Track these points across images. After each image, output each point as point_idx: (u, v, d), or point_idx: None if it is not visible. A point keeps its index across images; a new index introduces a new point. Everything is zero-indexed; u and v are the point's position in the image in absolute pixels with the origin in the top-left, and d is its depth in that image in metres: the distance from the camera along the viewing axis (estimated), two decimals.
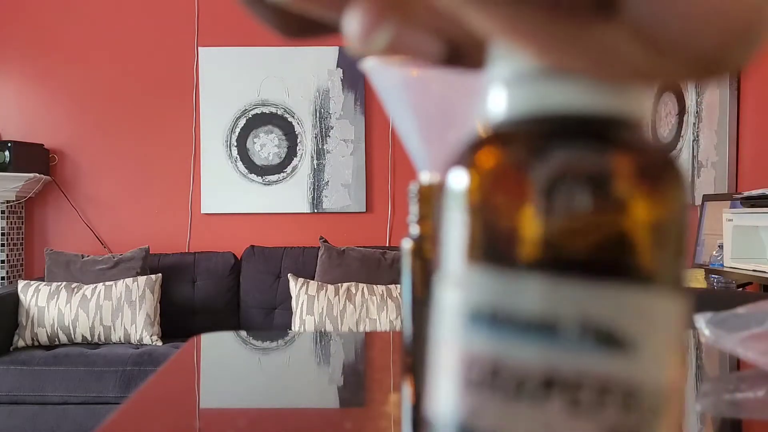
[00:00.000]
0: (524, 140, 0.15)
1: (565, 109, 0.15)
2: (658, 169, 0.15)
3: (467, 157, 0.16)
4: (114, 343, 2.53)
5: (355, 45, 0.15)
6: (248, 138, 3.04)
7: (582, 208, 0.14)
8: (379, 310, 2.53)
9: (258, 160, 3.04)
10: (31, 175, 2.80)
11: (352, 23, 0.15)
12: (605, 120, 0.15)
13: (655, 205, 0.15)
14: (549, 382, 0.14)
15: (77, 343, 2.52)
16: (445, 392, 0.15)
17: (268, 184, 3.04)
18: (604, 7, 0.12)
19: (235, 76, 3.02)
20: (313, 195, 3.04)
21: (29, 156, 2.83)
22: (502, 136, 0.16)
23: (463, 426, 0.15)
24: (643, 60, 0.13)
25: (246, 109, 3.04)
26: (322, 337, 0.71)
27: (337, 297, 2.57)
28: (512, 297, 0.15)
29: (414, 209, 0.36)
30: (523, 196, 0.15)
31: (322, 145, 3.05)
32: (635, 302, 0.14)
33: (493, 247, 0.15)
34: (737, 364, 0.56)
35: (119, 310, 2.53)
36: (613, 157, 0.15)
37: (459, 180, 0.16)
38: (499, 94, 0.16)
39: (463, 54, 0.17)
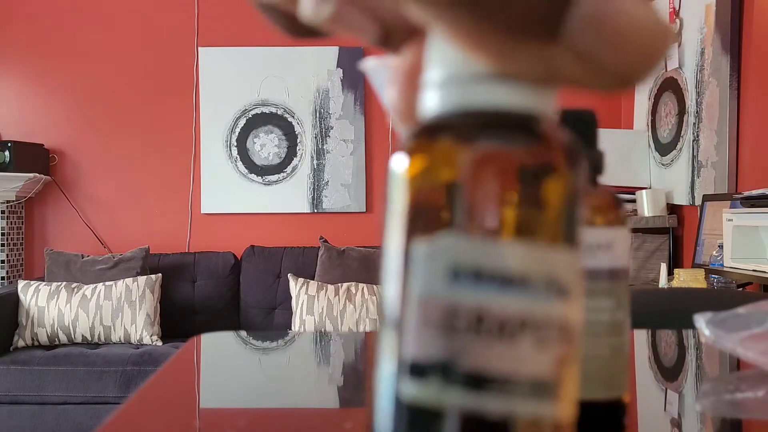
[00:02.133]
0: (453, 130, 0.18)
1: (487, 105, 0.18)
2: (565, 153, 0.19)
3: (408, 144, 0.19)
4: (114, 343, 2.53)
5: (305, 12, 0.18)
6: (248, 138, 3.03)
7: (503, 186, 0.18)
8: None
9: (258, 160, 3.03)
10: (31, 175, 2.79)
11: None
12: (521, 114, 0.19)
13: (564, 183, 0.19)
14: (521, 325, 0.18)
15: (77, 343, 2.52)
16: (430, 339, 0.18)
17: (268, 184, 3.03)
18: (552, 33, 0.16)
19: (235, 76, 3.02)
20: (313, 195, 3.03)
21: (29, 156, 2.82)
22: (435, 126, 0.19)
23: (447, 365, 0.18)
24: (579, 75, 0.17)
25: (246, 109, 3.03)
26: (322, 337, 0.71)
27: (337, 297, 2.57)
28: (484, 257, 0.18)
29: None
30: (453, 176, 0.18)
31: (322, 145, 3.04)
32: (568, 260, 0.19)
33: (439, 216, 0.18)
34: (737, 364, 0.56)
35: (119, 310, 2.52)
36: (527, 143, 0.18)
37: (401, 163, 0.19)
38: (434, 93, 0.19)
39: (391, 40, 0.20)
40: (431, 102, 0.19)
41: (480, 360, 0.18)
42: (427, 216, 0.19)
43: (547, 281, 0.18)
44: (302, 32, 0.20)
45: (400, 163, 0.19)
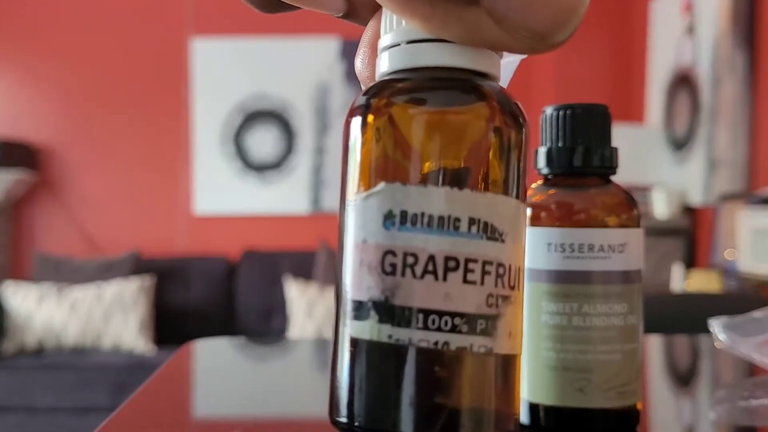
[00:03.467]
0: (404, 86, 0.21)
1: (426, 65, 0.21)
2: (505, 106, 0.21)
3: (365, 101, 0.21)
4: (105, 349, 2.46)
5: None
6: (245, 134, 2.94)
7: (450, 137, 0.20)
8: None
9: (255, 158, 2.95)
10: (19, 175, 2.71)
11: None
12: (463, 71, 0.21)
13: (504, 134, 0.21)
14: (449, 263, 0.20)
15: (67, 349, 2.44)
16: (367, 279, 0.21)
17: (266, 183, 2.95)
18: None
19: (230, 68, 2.92)
20: (313, 194, 2.96)
21: (16, 155, 2.73)
22: (379, 87, 0.21)
23: (384, 302, 0.20)
24: (497, 35, 0.18)
25: (242, 104, 2.94)
26: (321, 343, 0.70)
27: None
28: (417, 204, 0.20)
29: None
30: (406, 128, 0.20)
31: (322, 141, 2.97)
32: (501, 206, 0.21)
33: (392, 167, 0.21)
34: (753, 369, 0.55)
35: (110, 315, 2.44)
36: (462, 101, 0.21)
37: (361, 118, 0.21)
38: (384, 56, 0.21)
39: (356, 14, 0.22)
40: (382, 65, 0.22)
41: (412, 297, 0.20)
42: (372, 169, 0.21)
43: (475, 224, 0.20)
44: (270, 6, 0.22)
45: (351, 122, 0.21)
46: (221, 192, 2.95)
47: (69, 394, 2.26)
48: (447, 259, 0.20)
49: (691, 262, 2.37)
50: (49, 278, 2.59)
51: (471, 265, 0.20)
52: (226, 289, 2.77)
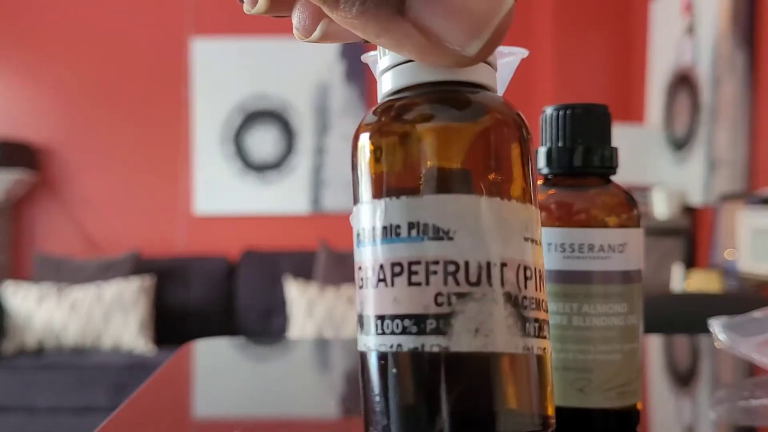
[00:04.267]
0: (404, 104, 0.22)
1: (431, 79, 0.22)
2: (507, 116, 0.22)
3: (370, 120, 0.22)
4: (105, 349, 2.45)
5: (299, 35, 0.21)
6: (245, 134, 2.94)
7: (453, 149, 0.21)
8: None
9: (255, 158, 2.95)
10: (19, 175, 2.70)
11: (295, 19, 0.21)
12: (462, 84, 0.22)
13: (508, 143, 0.21)
14: (395, 269, 0.21)
15: (67, 349, 2.44)
16: (357, 296, 0.22)
17: (266, 183, 2.95)
18: (398, 9, 0.19)
19: (230, 68, 2.92)
20: (313, 194, 2.95)
21: (16, 155, 2.73)
22: (391, 102, 0.22)
23: (360, 314, 0.22)
24: (424, 47, 0.19)
25: (242, 104, 2.94)
26: (321, 343, 0.70)
27: (338, 302, 2.49)
28: (367, 220, 0.22)
29: None
30: (414, 145, 0.21)
31: (323, 141, 2.96)
32: (452, 204, 0.21)
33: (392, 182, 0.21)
34: (753, 369, 0.54)
35: (110, 315, 2.44)
36: (473, 111, 0.21)
37: (364, 137, 0.22)
38: (388, 76, 0.22)
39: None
40: (385, 86, 0.23)
41: (372, 306, 0.21)
42: (368, 186, 0.22)
43: (414, 227, 0.21)
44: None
45: (364, 137, 0.22)
46: (221, 192, 2.94)
47: (69, 394, 2.25)
48: (393, 265, 0.21)
49: (691, 262, 2.36)
50: (49, 278, 2.58)
51: (414, 267, 0.20)
52: (226, 289, 2.77)
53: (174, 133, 2.94)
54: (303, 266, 2.73)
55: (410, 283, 0.21)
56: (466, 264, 0.20)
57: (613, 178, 0.35)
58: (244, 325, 2.74)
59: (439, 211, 0.21)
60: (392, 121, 0.22)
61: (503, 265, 0.21)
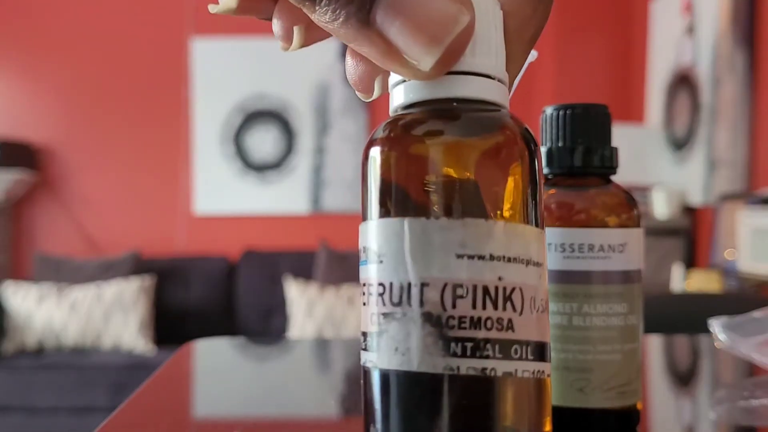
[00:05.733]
0: (414, 119, 0.22)
1: (445, 95, 0.22)
2: (517, 133, 0.22)
3: (380, 135, 0.22)
4: (105, 349, 2.45)
5: (282, 46, 0.23)
6: (245, 134, 2.94)
7: (464, 166, 0.21)
8: None
9: (255, 158, 2.94)
10: (19, 175, 2.70)
11: (275, 27, 0.23)
12: (473, 101, 0.22)
13: (516, 160, 0.22)
14: (362, 290, 0.22)
15: (67, 349, 2.44)
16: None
17: (266, 183, 2.95)
18: (362, 19, 0.19)
19: (230, 68, 2.91)
20: (313, 194, 2.94)
21: (16, 155, 2.73)
22: (401, 117, 0.22)
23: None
24: (386, 54, 0.20)
25: (242, 104, 2.93)
26: (322, 343, 0.70)
27: (338, 302, 2.48)
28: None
29: None
30: (421, 160, 0.21)
31: (323, 141, 2.96)
32: (382, 228, 0.22)
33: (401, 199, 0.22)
34: (753, 369, 0.54)
35: (110, 315, 2.43)
36: (485, 127, 0.22)
37: (374, 152, 0.22)
38: (400, 91, 0.22)
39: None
40: (396, 99, 0.23)
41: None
42: (378, 201, 0.22)
43: (363, 251, 0.22)
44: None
45: (374, 152, 0.22)
46: (221, 192, 2.94)
47: (69, 394, 2.25)
48: (362, 285, 0.23)
49: (691, 262, 2.36)
50: (49, 278, 2.58)
51: (363, 289, 0.22)
52: (226, 289, 2.76)
53: (174, 133, 2.93)
54: (303, 266, 2.72)
55: (363, 303, 0.22)
56: (391, 285, 0.21)
57: (613, 178, 0.35)
58: (244, 325, 2.74)
59: (378, 234, 0.22)
60: (401, 136, 0.22)
61: (424, 285, 0.21)
